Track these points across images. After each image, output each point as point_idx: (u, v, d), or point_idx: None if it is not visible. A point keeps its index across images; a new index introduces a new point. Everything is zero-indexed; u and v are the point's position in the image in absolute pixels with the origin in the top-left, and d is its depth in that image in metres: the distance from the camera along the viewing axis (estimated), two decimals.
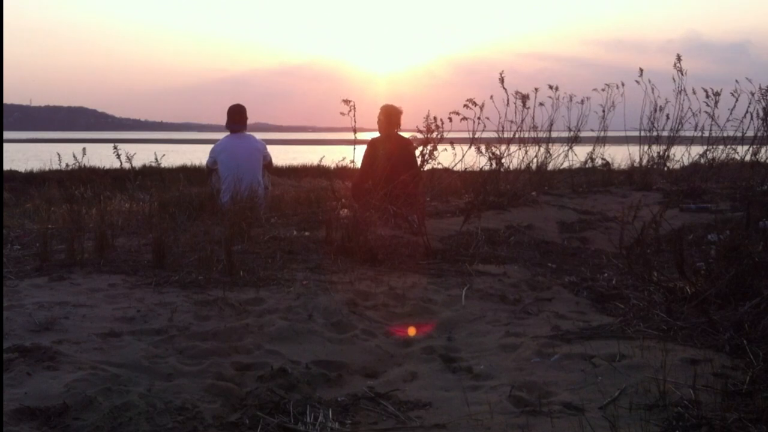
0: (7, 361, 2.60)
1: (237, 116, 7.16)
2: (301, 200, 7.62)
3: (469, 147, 6.22)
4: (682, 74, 9.05)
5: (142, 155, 7.40)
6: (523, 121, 8.17)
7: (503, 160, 7.31)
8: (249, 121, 7.33)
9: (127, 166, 6.32)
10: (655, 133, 9.34)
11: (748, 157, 9.05)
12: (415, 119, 5.64)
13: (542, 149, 8.65)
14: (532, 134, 8.51)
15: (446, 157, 5.75)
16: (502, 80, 7.61)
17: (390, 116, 6.71)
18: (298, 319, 3.30)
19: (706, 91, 9.00)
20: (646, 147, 9.40)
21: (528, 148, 8.43)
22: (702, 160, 9.24)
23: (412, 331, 3.41)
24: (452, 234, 5.54)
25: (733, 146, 9.02)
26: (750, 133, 9.05)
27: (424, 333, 3.36)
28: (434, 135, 5.45)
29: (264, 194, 6.89)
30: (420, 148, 5.59)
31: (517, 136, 8.18)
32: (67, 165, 6.74)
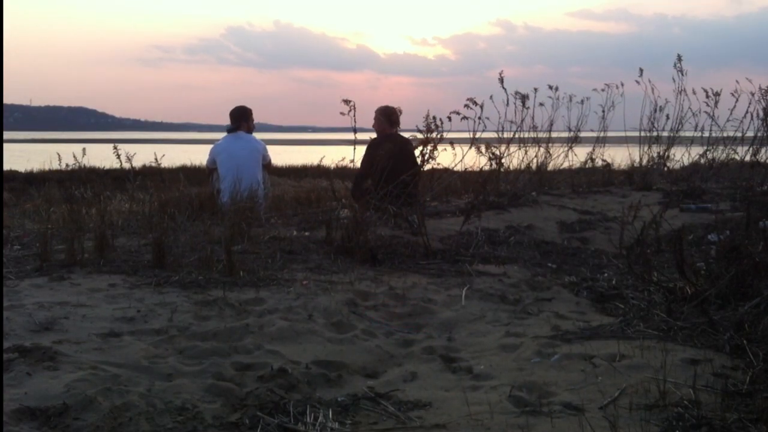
0: (7, 361, 2.61)
1: (236, 117, 7.16)
2: (301, 200, 7.62)
3: (470, 147, 6.22)
4: (682, 74, 9.05)
5: (142, 155, 7.40)
6: (522, 121, 8.18)
7: (503, 160, 7.31)
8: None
9: (127, 166, 6.32)
10: (655, 133, 9.33)
11: (748, 158, 9.04)
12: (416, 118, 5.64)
13: (542, 149, 8.65)
14: (532, 134, 8.51)
15: (446, 157, 5.76)
16: (501, 80, 7.60)
17: (389, 116, 6.72)
18: (298, 319, 3.30)
19: (706, 91, 9.00)
20: (646, 147, 9.38)
21: (528, 148, 8.43)
22: (702, 160, 9.23)
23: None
24: (452, 234, 5.54)
25: (733, 146, 9.01)
26: (750, 134, 9.04)
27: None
28: (434, 135, 5.44)
29: (264, 194, 6.89)
30: (420, 148, 5.58)
31: (517, 136, 8.18)
32: (67, 165, 6.73)
